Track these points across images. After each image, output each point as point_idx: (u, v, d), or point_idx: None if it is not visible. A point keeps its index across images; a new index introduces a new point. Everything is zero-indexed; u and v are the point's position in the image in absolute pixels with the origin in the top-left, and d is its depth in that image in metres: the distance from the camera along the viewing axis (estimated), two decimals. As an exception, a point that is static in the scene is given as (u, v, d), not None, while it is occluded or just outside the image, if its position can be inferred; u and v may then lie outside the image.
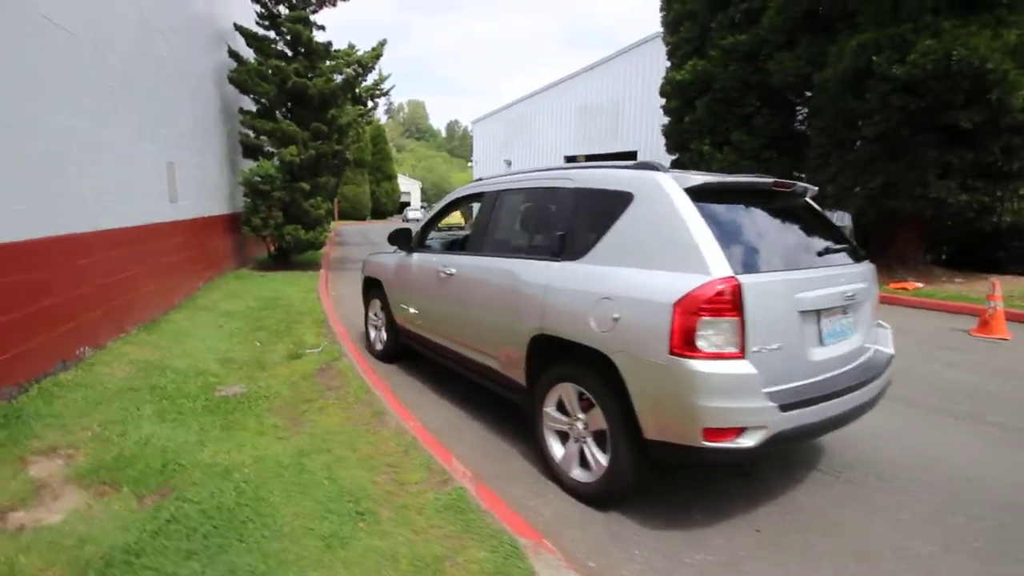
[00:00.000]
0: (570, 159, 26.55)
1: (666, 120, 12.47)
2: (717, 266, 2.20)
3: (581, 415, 2.71)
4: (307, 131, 9.72)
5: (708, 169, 11.02)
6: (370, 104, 11.48)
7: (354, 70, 9.78)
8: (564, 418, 2.81)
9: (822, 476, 2.95)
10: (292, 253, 10.92)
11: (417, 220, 43.03)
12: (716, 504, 2.70)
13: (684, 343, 2.15)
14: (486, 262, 3.37)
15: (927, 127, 7.75)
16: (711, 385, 2.12)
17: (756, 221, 2.56)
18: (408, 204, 54.09)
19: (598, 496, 2.63)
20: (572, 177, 2.95)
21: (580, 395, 2.69)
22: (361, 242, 20.17)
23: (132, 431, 3.13)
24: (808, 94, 9.22)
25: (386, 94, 13.05)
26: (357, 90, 10.26)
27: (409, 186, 62.53)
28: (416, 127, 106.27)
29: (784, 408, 2.19)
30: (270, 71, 9.60)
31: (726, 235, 2.32)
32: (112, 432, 3.12)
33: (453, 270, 3.67)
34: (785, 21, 9.38)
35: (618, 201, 2.63)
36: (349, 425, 3.41)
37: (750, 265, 2.28)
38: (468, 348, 3.56)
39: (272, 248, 10.78)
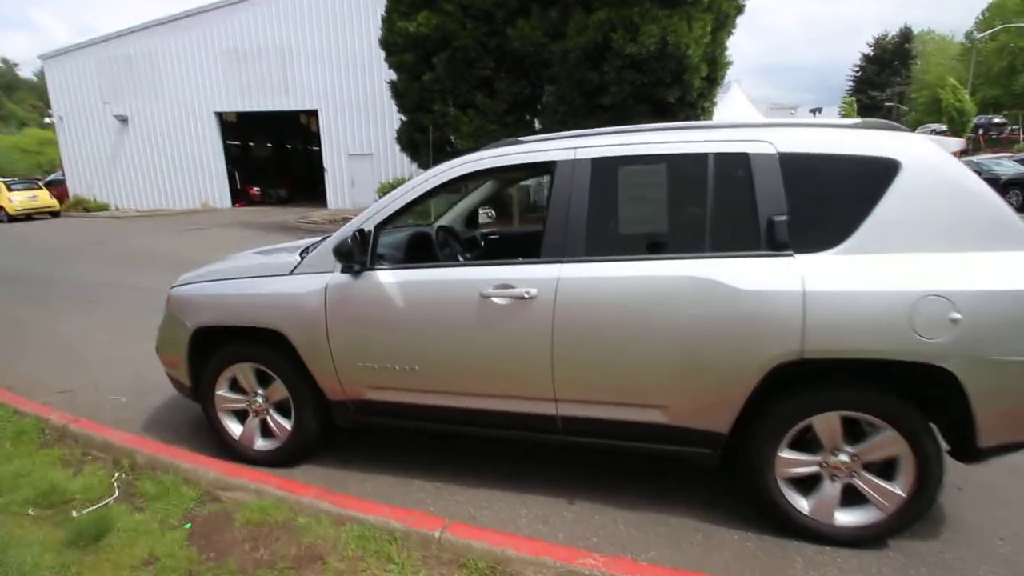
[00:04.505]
0: (220, 116, 21.52)
1: (395, 76, 11.30)
2: None
3: (849, 448, 2.12)
4: None
5: (457, 133, 10.67)
6: None
7: None
8: (812, 458, 2.17)
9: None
10: None
11: None
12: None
13: None
14: (626, 270, 2.17)
15: (645, 99, 9.42)
16: None
17: None
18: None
19: (879, 536, 2.16)
20: (771, 140, 2.12)
21: (847, 423, 2.09)
22: None
23: None
24: (548, 61, 9.82)
25: None
26: None
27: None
28: None
29: None
30: None
31: None
32: None
33: (533, 291, 2.25)
34: (517, -14, 9.60)
35: (877, 171, 2.03)
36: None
37: None
38: (584, 404, 2.31)
39: None
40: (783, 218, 2.05)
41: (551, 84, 10.17)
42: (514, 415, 2.43)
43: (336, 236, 2.57)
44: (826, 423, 2.10)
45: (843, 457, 2.13)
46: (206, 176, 21.93)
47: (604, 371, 2.24)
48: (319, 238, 3.03)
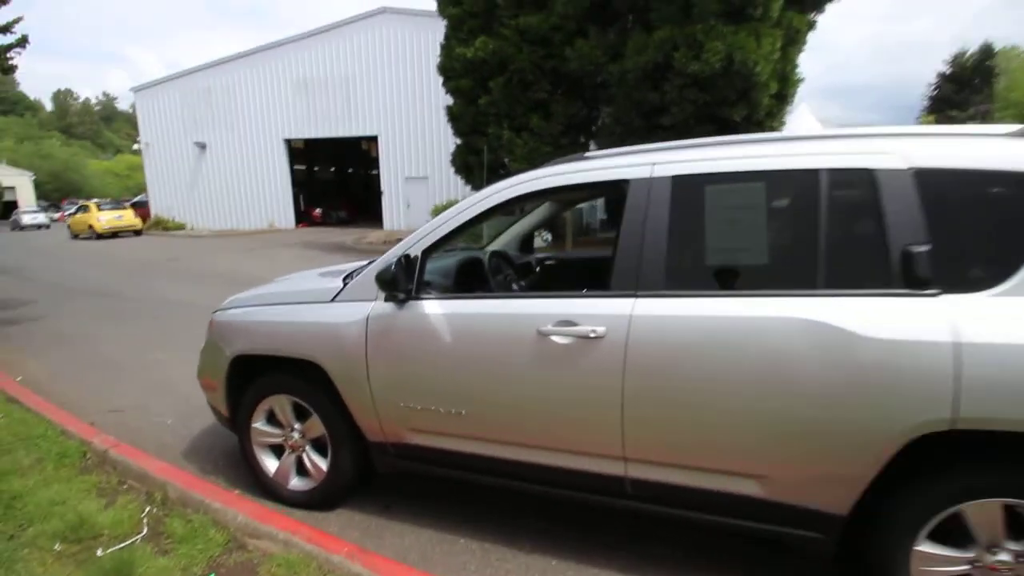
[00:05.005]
0: (289, 143, 22.63)
1: (451, 101, 11.39)
2: None
3: (1013, 545, 1.63)
4: None
5: (511, 155, 10.55)
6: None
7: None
8: (962, 554, 1.68)
9: None
10: None
11: (41, 226, 29.32)
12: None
13: None
14: (715, 307, 1.81)
15: (708, 119, 8.96)
16: None
17: None
18: (16, 204, 38.34)
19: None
20: (902, 152, 1.72)
21: (1010, 513, 1.61)
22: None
23: None
24: (605, 82, 9.58)
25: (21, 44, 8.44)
26: None
27: (14, 179, 43.59)
28: (-6, 96, 74.08)
29: None
30: None
31: None
32: None
33: (600, 329, 1.92)
34: (576, 8, 9.46)
35: (1044, 190, 1.59)
36: None
37: None
38: (659, 467, 1.94)
39: None
40: (923, 248, 1.62)
41: (608, 105, 9.90)
42: (574, 473, 2.08)
43: (380, 261, 2.35)
44: (981, 512, 1.62)
45: (1004, 556, 1.63)
46: (274, 198, 23.03)
47: (685, 429, 1.86)
48: (365, 262, 2.83)
